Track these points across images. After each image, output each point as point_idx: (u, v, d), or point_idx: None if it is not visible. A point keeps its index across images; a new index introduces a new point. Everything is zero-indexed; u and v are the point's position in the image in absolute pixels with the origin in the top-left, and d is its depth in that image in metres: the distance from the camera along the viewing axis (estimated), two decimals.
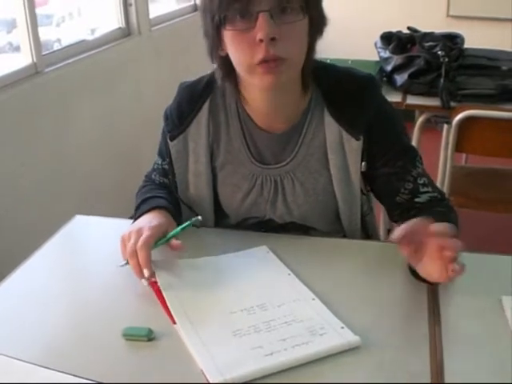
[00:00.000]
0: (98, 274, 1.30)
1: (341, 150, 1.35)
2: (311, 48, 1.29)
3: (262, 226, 1.44)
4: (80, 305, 1.19)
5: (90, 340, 1.07)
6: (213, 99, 1.39)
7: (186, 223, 1.30)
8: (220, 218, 1.47)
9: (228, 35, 1.23)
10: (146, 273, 1.17)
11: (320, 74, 1.37)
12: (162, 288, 1.18)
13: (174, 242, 1.25)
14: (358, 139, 1.33)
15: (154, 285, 1.20)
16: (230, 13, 1.19)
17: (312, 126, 1.37)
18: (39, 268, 1.32)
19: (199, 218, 1.31)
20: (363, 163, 1.35)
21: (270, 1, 1.16)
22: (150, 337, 1.05)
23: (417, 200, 1.36)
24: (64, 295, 1.23)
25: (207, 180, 1.41)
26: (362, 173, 1.37)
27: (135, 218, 1.34)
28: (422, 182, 1.36)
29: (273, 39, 1.17)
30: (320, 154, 1.37)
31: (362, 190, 1.40)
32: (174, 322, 1.09)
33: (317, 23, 1.27)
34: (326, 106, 1.35)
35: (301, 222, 1.42)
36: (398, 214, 1.39)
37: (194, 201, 1.44)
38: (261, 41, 1.17)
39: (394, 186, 1.36)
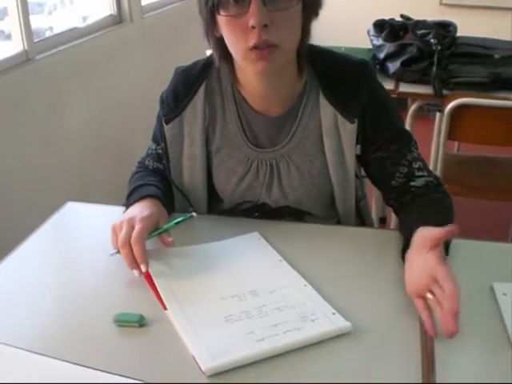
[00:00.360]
0: (89, 260, 1.29)
1: (336, 133, 1.35)
2: (306, 31, 1.29)
3: (256, 210, 1.44)
4: (71, 291, 1.19)
5: (81, 326, 1.07)
6: (208, 83, 1.39)
7: (181, 218, 1.29)
8: (213, 203, 1.47)
9: (222, 20, 1.23)
10: (143, 268, 1.17)
11: (315, 58, 1.37)
12: (153, 275, 1.18)
13: (166, 238, 1.25)
14: (352, 122, 1.33)
15: (145, 272, 1.19)
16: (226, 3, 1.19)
17: (307, 109, 1.37)
18: (30, 255, 1.32)
19: (194, 214, 1.32)
20: (358, 146, 1.36)
21: None
22: (141, 323, 1.05)
23: (412, 184, 1.36)
24: (55, 282, 1.23)
25: (202, 164, 1.41)
26: (357, 157, 1.38)
27: (127, 206, 1.34)
28: (417, 166, 1.36)
29: (265, 26, 1.18)
30: (315, 138, 1.38)
31: (356, 175, 1.40)
32: (165, 308, 1.09)
33: (311, 6, 1.27)
34: (322, 90, 1.36)
35: (295, 207, 1.43)
36: (394, 198, 1.40)
37: (187, 186, 1.43)
38: (253, 27, 1.18)
39: (388, 170, 1.37)
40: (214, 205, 1.47)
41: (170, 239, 1.25)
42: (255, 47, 1.20)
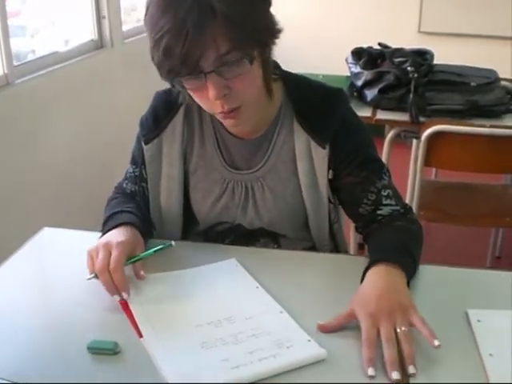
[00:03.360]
0: (64, 287, 1.28)
1: (309, 157, 1.37)
2: (265, 67, 1.28)
3: (231, 232, 1.45)
4: (45, 318, 1.18)
5: (54, 353, 1.06)
6: (188, 105, 1.40)
7: (160, 246, 1.29)
8: (188, 225, 1.47)
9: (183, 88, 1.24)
10: (124, 296, 1.17)
11: (290, 84, 1.40)
12: (129, 301, 1.17)
13: (138, 270, 1.25)
14: (324, 147, 1.35)
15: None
16: (180, 77, 1.19)
17: (282, 133, 1.40)
18: (5, 281, 1.30)
19: (173, 243, 1.31)
20: (330, 171, 1.38)
21: (214, 61, 1.15)
22: (115, 350, 1.04)
23: (379, 212, 1.38)
24: (29, 308, 1.22)
25: (179, 184, 1.42)
26: (329, 182, 1.39)
27: (102, 233, 1.33)
28: (385, 193, 1.38)
29: (225, 95, 1.19)
30: (289, 161, 1.40)
31: (329, 199, 1.42)
32: (141, 336, 1.08)
33: (268, 51, 1.27)
34: (295, 115, 1.38)
35: (270, 229, 1.44)
36: (362, 226, 1.43)
37: (164, 207, 1.44)
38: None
39: (357, 196, 1.39)
40: (189, 227, 1.48)
41: (142, 272, 1.24)
42: (221, 113, 1.24)
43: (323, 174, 1.38)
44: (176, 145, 1.41)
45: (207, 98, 1.20)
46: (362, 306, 1.10)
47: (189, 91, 1.24)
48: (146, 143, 1.41)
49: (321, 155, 1.36)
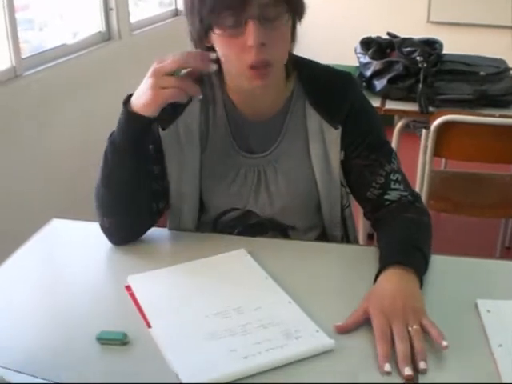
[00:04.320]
0: (73, 278, 1.29)
1: (321, 139, 1.38)
2: (293, 40, 1.32)
3: (240, 221, 1.44)
4: (55, 309, 1.18)
5: (64, 344, 1.07)
6: (203, 89, 1.39)
7: None
8: (199, 213, 1.45)
9: (217, 38, 1.24)
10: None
11: (302, 67, 1.41)
12: (136, 292, 1.18)
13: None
14: (336, 128, 1.37)
15: (129, 289, 1.19)
16: (220, 19, 1.20)
17: (294, 115, 1.40)
18: (14, 272, 1.31)
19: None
20: (342, 153, 1.39)
21: (260, 8, 1.18)
22: (124, 341, 1.05)
23: (386, 197, 1.38)
24: (39, 299, 1.22)
25: (196, 169, 1.40)
26: (341, 164, 1.40)
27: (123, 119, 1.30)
28: (394, 178, 1.38)
29: (262, 44, 1.20)
30: (302, 143, 1.40)
31: (341, 183, 1.42)
32: (149, 326, 1.09)
33: (299, 16, 1.30)
34: (307, 97, 1.39)
35: (280, 218, 1.43)
36: (370, 211, 1.43)
37: (184, 194, 1.41)
38: (250, 46, 1.19)
39: (366, 179, 1.39)
40: (199, 216, 1.46)
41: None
42: (252, 66, 1.22)
43: (336, 156, 1.38)
44: (194, 130, 1.39)
45: (241, 48, 1.21)
46: (376, 303, 1.10)
47: (218, 42, 1.24)
48: (163, 128, 1.38)
49: (333, 136, 1.37)
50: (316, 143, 1.39)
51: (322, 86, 1.39)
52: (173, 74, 1.21)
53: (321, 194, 1.41)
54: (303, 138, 1.40)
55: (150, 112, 1.24)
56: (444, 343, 1.01)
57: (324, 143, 1.38)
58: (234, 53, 1.24)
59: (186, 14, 1.29)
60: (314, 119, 1.38)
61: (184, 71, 1.22)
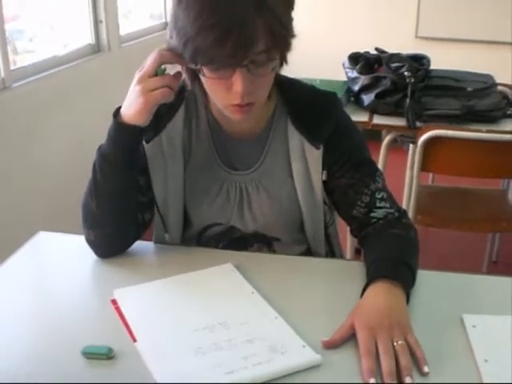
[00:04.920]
0: (60, 291, 1.28)
1: (303, 158, 1.38)
2: (280, 69, 1.30)
3: (224, 236, 1.44)
4: (40, 322, 1.17)
5: (49, 358, 1.06)
6: (187, 103, 1.40)
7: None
8: (183, 227, 1.45)
9: (203, 75, 1.22)
10: None
11: (284, 86, 1.40)
12: (122, 306, 1.17)
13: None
14: (318, 148, 1.37)
15: (115, 303, 1.19)
16: (210, 65, 1.18)
17: (276, 134, 1.41)
18: (0, 285, 1.30)
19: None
20: (324, 172, 1.39)
21: (249, 56, 1.15)
22: (109, 355, 1.04)
23: (372, 215, 1.38)
24: (24, 312, 1.21)
25: (181, 183, 1.40)
26: (324, 184, 1.40)
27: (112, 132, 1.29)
28: (379, 196, 1.38)
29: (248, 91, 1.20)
30: (284, 162, 1.40)
31: (324, 201, 1.42)
32: (135, 340, 1.08)
33: (286, 54, 1.27)
34: (289, 116, 1.39)
35: (264, 232, 1.44)
36: (356, 229, 1.43)
37: (170, 208, 1.41)
38: (237, 92, 1.19)
39: (350, 198, 1.39)
40: (183, 230, 1.46)
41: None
42: (235, 105, 1.23)
43: (318, 176, 1.38)
44: (177, 143, 1.39)
45: (226, 88, 1.20)
46: (361, 317, 1.11)
47: (207, 79, 1.22)
48: (146, 141, 1.38)
49: (315, 156, 1.37)
50: (298, 162, 1.39)
51: (304, 105, 1.39)
52: (156, 74, 1.23)
53: (303, 212, 1.41)
54: (285, 157, 1.40)
55: (142, 120, 1.25)
56: (425, 369, 1.01)
57: (306, 162, 1.38)
58: (219, 91, 1.24)
59: (170, 36, 1.24)
60: (295, 138, 1.38)
61: (163, 66, 1.24)
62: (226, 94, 1.22)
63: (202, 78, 1.23)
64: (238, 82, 1.18)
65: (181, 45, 1.18)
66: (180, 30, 1.17)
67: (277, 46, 1.18)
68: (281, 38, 1.18)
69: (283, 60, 1.24)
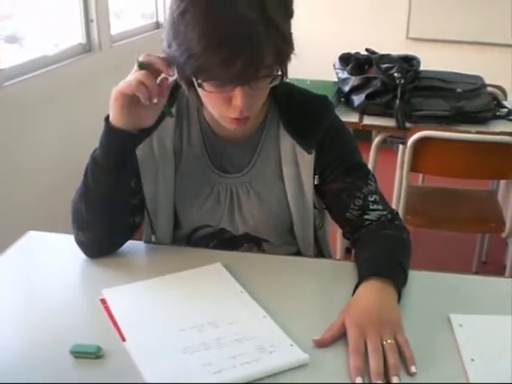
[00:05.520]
0: (48, 290, 1.28)
1: (294, 162, 1.38)
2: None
3: (214, 237, 1.44)
4: (29, 321, 1.17)
5: (37, 357, 1.06)
6: (179, 104, 1.40)
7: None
8: (173, 228, 1.46)
9: (202, 89, 1.20)
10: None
11: (277, 90, 1.38)
12: (111, 306, 1.18)
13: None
14: (309, 153, 1.37)
15: (104, 302, 1.19)
16: (212, 81, 1.16)
17: (268, 137, 1.40)
18: None
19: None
20: (316, 177, 1.39)
21: (251, 73, 1.12)
22: (98, 354, 1.04)
23: (366, 217, 1.38)
24: (13, 312, 1.21)
25: (170, 184, 1.40)
26: (315, 187, 1.40)
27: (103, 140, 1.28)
28: (372, 199, 1.39)
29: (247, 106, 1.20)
30: (275, 166, 1.40)
31: (314, 205, 1.42)
32: (124, 339, 1.09)
33: (287, 68, 1.26)
34: (281, 119, 1.39)
35: (254, 234, 1.44)
36: (349, 232, 1.43)
37: (160, 208, 1.42)
38: (235, 106, 1.18)
39: (343, 202, 1.39)
40: (173, 231, 1.46)
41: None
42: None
43: (309, 180, 1.39)
44: (168, 145, 1.39)
45: (224, 101, 1.19)
46: (352, 315, 1.11)
47: (203, 93, 1.21)
48: None
49: (306, 160, 1.37)
50: (289, 166, 1.39)
51: (296, 108, 1.38)
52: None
53: (293, 216, 1.42)
54: (276, 161, 1.40)
55: (122, 120, 1.23)
56: (413, 369, 1.02)
57: (297, 166, 1.38)
58: (216, 104, 1.22)
59: (169, 45, 1.19)
60: (287, 142, 1.38)
61: (144, 62, 1.21)
62: (224, 106, 1.20)
63: (199, 89, 1.21)
64: (238, 97, 1.16)
65: (182, 58, 1.15)
66: (181, 44, 1.13)
67: (280, 63, 1.18)
68: (285, 55, 1.18)
69: (284, 75, 1.23)
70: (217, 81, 1.15)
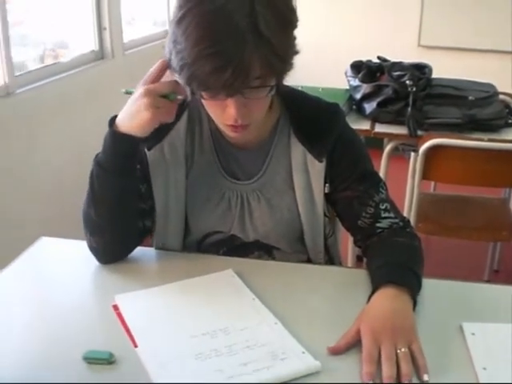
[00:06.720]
0: (61, 296, 1.29)
1: (305, 170, 1.38)
2: (277, 89, 1.27)
3: (224, 244, 1.45)
4: (42, 327, 1.18)
5: (50, 363, 1.07)
6: (191, 110, 1.41)
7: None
8: (184, 234, 1.45)
9: (199, 96, 1.22)
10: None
11: (288, 98, 1.40)
12: (124, 312, 1.18)
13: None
14: (320, 161, 1.37)
15: (116, 308, 1.20)
16: (204, 90, 1.18)
17: (279, 145, 1.41)
18: (2, 291, 1.31)
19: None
20: (326, 185, 1.39)
21: (240, 83, 1.13)
22: (110, 360, 1.05)
23: (378, 225, 1.38)
24: (26, 318, 1.22)
25: (182, 190, 1.40)
26: (326, 196, 1.40)
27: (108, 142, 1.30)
28: (383, 207, 1.39)
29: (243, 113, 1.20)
30: (285, 173, 1.40)
31: (324, 213, 1.42)
32: (136, 346, 1.09)
33: (283, 79, 1.26)
34: (293, 128, 1.39)
35: (265, 241, 1.44)
36: (361, 240, 1.43)
37: (170, 214, 1.42)
38: (232, 114, 1.19)
39: (355, 210, 1.39)
40: (184, 237, 1.46)
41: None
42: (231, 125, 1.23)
43: (319, 188, 1.39)
44: (179, 150, 1.39)
45: (221, 110, 1.21)
46: (367, 322, 1.11)
47: (203, 100, 1.23)
48: (148, 149, 1.38)
49: (317, 169, 1.37)
50: (299, 174, 1.39)
51: (307, 116, 1.38)
52: (165, 96, 1.23)
53: (303, 224, 1.42)
54: (287, 168, 1.40)
55: (143, 132, 1.25)
56: (425, 377, 1.02)
57: (308, 174, 1.38)
58: (214, 111, 1.25)
59: (170, 54, 1.21)
60: (298, 150, 1.38)
61: (175, 96, 1.24)
62: (221, 113, 1.22)
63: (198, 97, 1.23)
64: (231, 106, 1.18)
65: (178, 67, 1.17)
66: (178, 53, 1.15)
67: (272, 75, 1.18)
68: (276, 67, 1.17)
69: (279, 85, 1.23)
70: (208, 90, 1.16)
